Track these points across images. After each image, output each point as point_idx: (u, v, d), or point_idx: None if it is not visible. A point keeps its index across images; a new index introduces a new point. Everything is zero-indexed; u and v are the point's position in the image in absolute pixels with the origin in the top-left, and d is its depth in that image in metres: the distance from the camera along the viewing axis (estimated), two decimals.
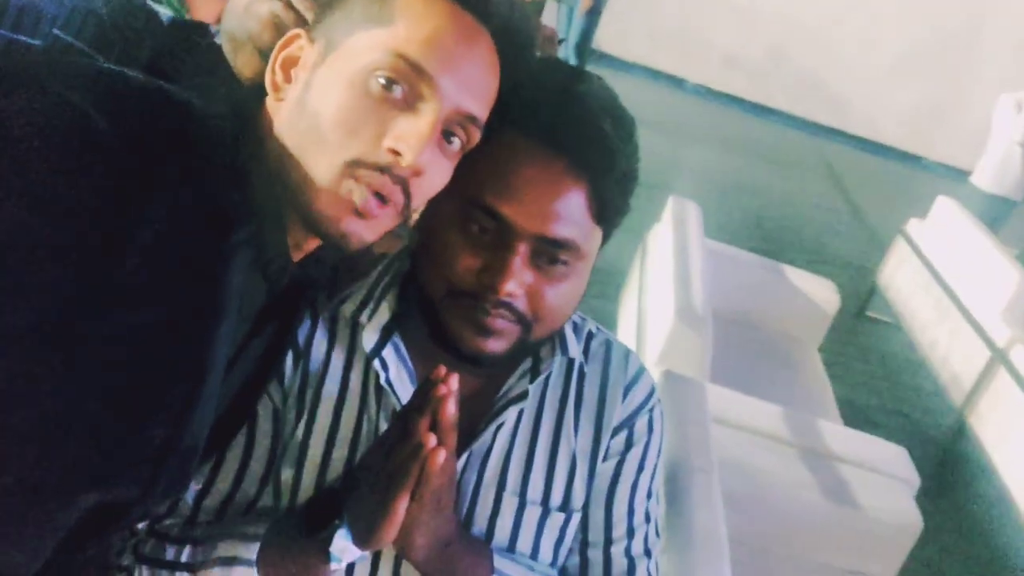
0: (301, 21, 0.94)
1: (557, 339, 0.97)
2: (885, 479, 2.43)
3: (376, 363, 0.91)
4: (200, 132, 0.73)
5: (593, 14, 7.46)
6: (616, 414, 0.99)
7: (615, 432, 0.99)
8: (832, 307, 3.65)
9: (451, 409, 0.79)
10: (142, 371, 0.68)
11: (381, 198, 0.75)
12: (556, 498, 0.96)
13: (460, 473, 0.93)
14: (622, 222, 0.93)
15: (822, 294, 3.63)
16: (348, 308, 0.94)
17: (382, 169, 0.73)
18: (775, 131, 9.76)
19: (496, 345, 0.86)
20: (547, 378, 0.98)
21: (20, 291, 0.59)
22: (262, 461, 0.93)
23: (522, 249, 0.83)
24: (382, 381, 0.91)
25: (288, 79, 0.79)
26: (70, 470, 0.66)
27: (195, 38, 1.07)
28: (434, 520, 0.84)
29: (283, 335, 0.92)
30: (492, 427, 0.94)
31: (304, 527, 0.86)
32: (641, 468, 1.00)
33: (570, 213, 0.84)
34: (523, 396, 0.94)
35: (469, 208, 0.84)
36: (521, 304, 0.85)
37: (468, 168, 0.83)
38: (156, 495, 0.75)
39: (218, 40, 1.07)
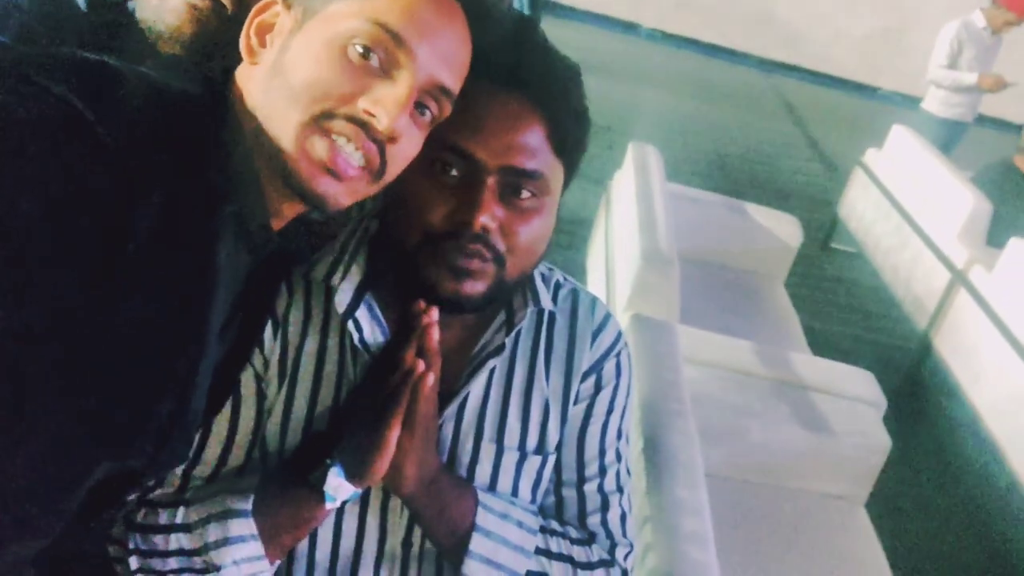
0: (220, 8, 0.94)
1: (529, 291, 1.00)
2: (853, 403, 2.50)
3: (350, 324, 0.93)
4: (182, 114, 0.74)
5: None
6: (585, 359, 1.03)
7: (584, 377, 1.03)
8: (796, 241, 3.71)
9: (435, 335, 0.83)
10: (147, 351, 0.70)
11: (361, 166, 0.76)
12: (531, 442, 1.00)
13: (439, 425, 0.96)
14: (581, 160, 0.97)
15: (786, 229, 3.69)
16: (319, 271, 0.95)
17: (356, 122, 0.75)
18: (731, 70, 9.78)
19: (474, 287, 0.90)
20: (519, 329, 1.01)
21: (28, 284, 0.60)
22: (248, 427, 0.95)
23: (491, 182, 0.87)
24: (355, 341, 0.93)
25: (263, 44, 0.80)
26: (86, 443, 0.69)
27: (116, 18, 1.05)
28: (422, 451, 0.88)
29: (264, 304, 0.93)
30: (470, 383, 0.97)
31: (296, 472, 0.89)
32: (610, 410, 1.05)
33: (532, 145, 0.88)
34: (500, 349, 0.97)
35: (437, 151, 0.87)
36: (495, 238, 0.89)
37: None
38: (163, 463, 0.79)
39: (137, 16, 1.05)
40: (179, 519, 0.91)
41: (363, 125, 0.75)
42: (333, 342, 0.96)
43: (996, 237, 3.86)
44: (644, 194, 2.89)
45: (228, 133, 0.78)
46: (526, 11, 6.98)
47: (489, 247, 0.89)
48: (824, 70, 10.39)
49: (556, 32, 0.99)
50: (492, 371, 0.99)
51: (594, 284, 3.32)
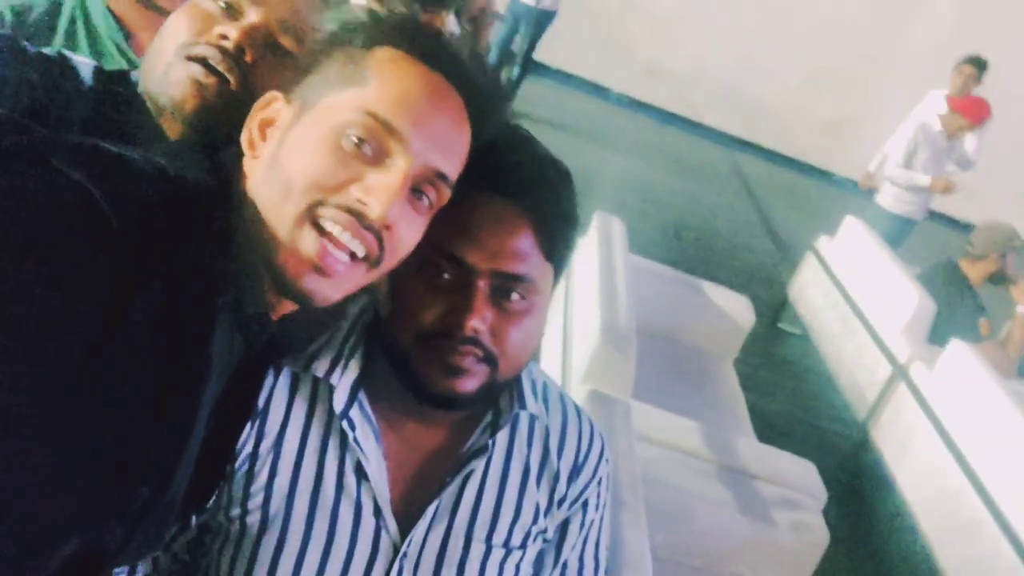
0: (223, 86, 0.94)
1: (515, 394, 1.01)
2: (794, 493, 2.55)
3: (344, 423, 0.93)
4: (191, 203, 0.74)
5: (544, 20, 7.41)
6: (571, 479, 1.06)
7: (571, 499, 1.06)
8: (748, 323, 3.78)
9: None
10: (132, 435, 0.69)
11: (350, 252, 0.76)
12: (516, 539, 1.02)
13: (430, 522, 0.97)
14: (570, 258, 1.00)
15: (739, 310, 3.76)
16: (320, 367, 0.95)
17: (349, 211, 0.75)
18: (694, 141, 10.00)
19: (466, 384, 0.91)
20: (513, 433, 1.03)
21: (23, 361, 0.59)
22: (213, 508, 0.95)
23: (482, 286, 0.90)
24: (351, 440, 0.93)
25: (264, 138, 0.81)
26: (57, 521, 0.67)
27: (118, 90, 1.05)
28: None
29: (254, 393, 0.93)
30: (458, 479, 0.98)
31: None
32: (590, 528, 1.09)
33: (522, 250, 0.91)
34: (484, 449, 0.98)
35: (432, 256, 0.89)
36: (486, 340, 0.91)
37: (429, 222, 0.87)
38: (134, 549, 0.77)
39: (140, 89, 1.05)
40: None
41: (357, 214, 0.75)
42: (315, 435, 0.96)
43: (938, 336, 3.99)
44: (607, 268, 2.93)
45: (232, 222, 0.78)
46: (515, 74, 6.99)
47: (480, 347, 0.91)
48: (783, 151, 10.69)
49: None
50: (486, 472, 1.01)
51: (549, 353, 3.33)
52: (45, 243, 0.60)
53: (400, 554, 0.96)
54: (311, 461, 0.95)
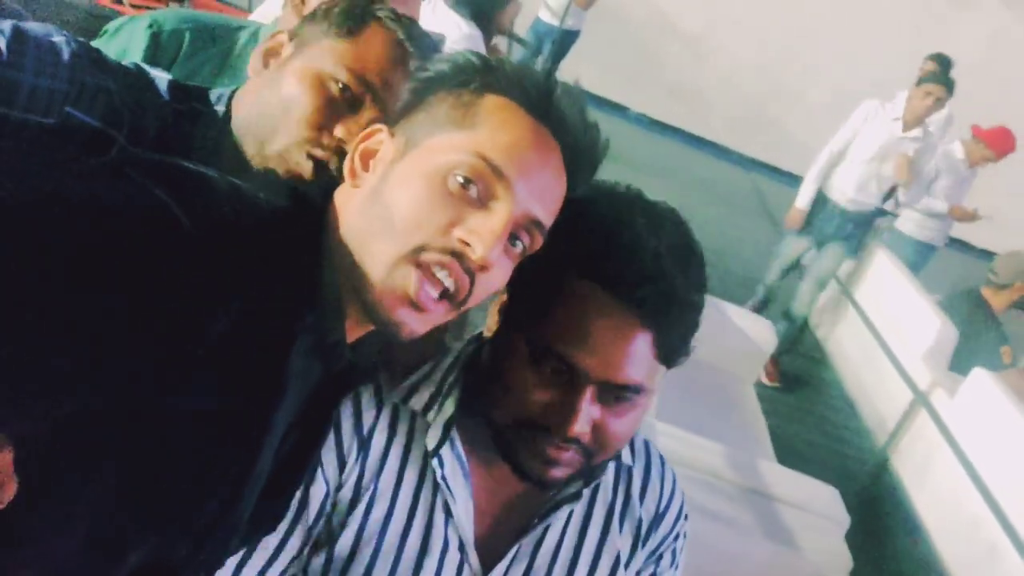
0: (338, 163, 0.98)
1: None
2: (817, 519, 2.55)
3: (434, 460, 0.95)
4: (272, 226, 0.77)
5: (567, 39, 7.47)
6: (651, 528, 1.06)
7: (648, 551, 1.06)
8: (769, 346, 3.79)
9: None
10: (204, 448, 0.72)
11: (442, 290, 0.78)
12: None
13: (510, 561, 0.98)
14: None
15: (761, 333, 3.77)
16: (417, 402, 0.97)
17: (451, 253, 0.77)
18: (713, 163, 10.02)
19: (560, 472, 0.91)
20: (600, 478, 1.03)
21: (102, 369, 0.62)
22: (298, 540, 0.94)
23: (591, 391, 0.88)
24: (438, 478, 0.95)
25: (366, 168, 0.84)
26: (130, 529, 0.70)
27: (196, 106, 1.08)
28: None
29: (326, 420, 0.95)
30: (543, 524, 0.99)
31: None
32: None
33: (638, 359, 0.87)
34: (576, 496, 0.99)
35: (543, 352, 0.88)
36: (586, 439, 0.90)
37: (543, 314, 0.88)
38: (197, 564, 0.79)
39: (218, 107, 1.10)
40: None
41: (458, 255, 0.77)
42: (412, 472, 0.97)
43: (960, 364, 3.99)
44: None
45: (317, 248, 0.81)
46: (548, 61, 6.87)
47: (580, 445, 0.90)
48: (802, 173, 10.69)
49: None
50: (568, 518, 1.01)
51: None
52: (126, 251, 0.62)
53: None
54: (407, 494, 0.97)
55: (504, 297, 0.94)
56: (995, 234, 5.67)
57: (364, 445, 0.96)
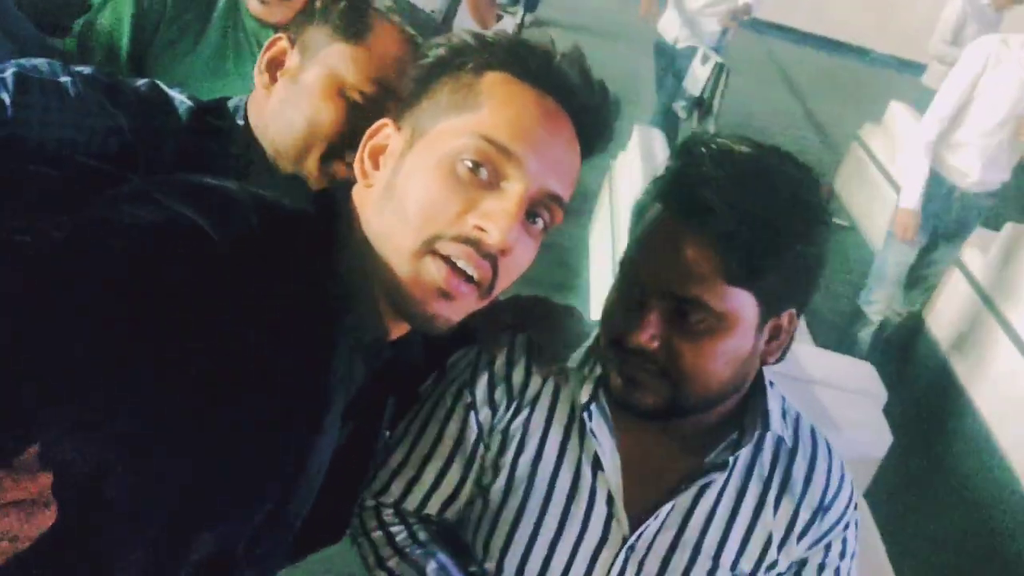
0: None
1: (760, 415, 1.00)
2: (854, 396, 2.56)
3: (585, 414, 0.99)
4: (296, 231, 0.76)
5: None
6: (814, 518, 1.03)
7: (813, 539, 1.03)
8: None
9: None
10: (258, 447, 0.73)
11: (467, 277, 0.77)
12: (745, 566, 1.02)
13: (661, 523, 1.00)
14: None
15: None
16: (575, 359, 1.03)
17: (467, 241, 0.75)
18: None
19: (642, 397, 0.94)
20: (757, 453, 1.03)
21: (154, 388, 0.63)
22: (456, 475, 1.04)
23: (653, 303, 0.91)
24: (588, 430, 0.99)
25: (376, 166, 0.82)
26: (195, 520, 0.72)
27: (214, 122, 1.06)
28: None
29: (378, 415, 0.96)
30: (694, 488, 1.00)
31: None
32: (834, 573, 1.06)
33: (695, 273, 0.89)
34: (723, 465, 0.99)
35: (622, 274, 0.96)
36: (659, 355, 0.91)
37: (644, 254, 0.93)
38: (256, 559, 0.81)
39: (238, 118, 1.08)
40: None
41: (474, 243, 0.75)
42: (558, 424, 1.02)
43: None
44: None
45: (343, 249, 0.80)
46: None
47: (652, 362, 0.92)
48: (818, 31, 10.34)
49: None
50: (724, 488, 1.02)
51: (599, 265, 3.34)
52: (166, 272, 0.63)
53: (627, 546, 0.99)
54: (555, 442, 1.01)
55: None
56: None
57: (514, 394, 1.02)
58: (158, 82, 1.07)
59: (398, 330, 0.85)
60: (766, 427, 1.00)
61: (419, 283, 0.76)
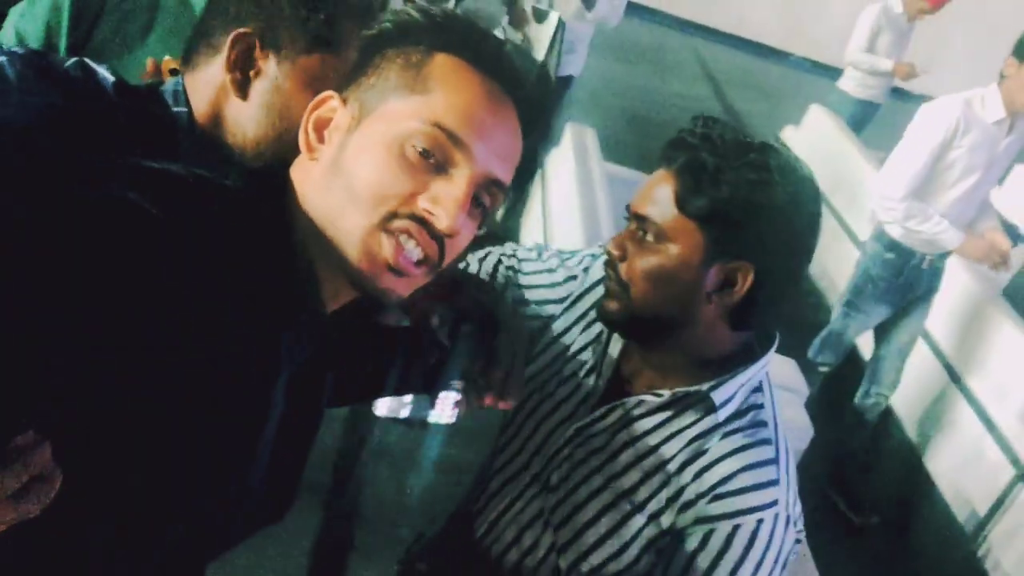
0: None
1: (719, 384, 1.06)
2: (777, 391, 2.65)
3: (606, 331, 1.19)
4: (239, 209, 0.77)
5: None
6: (694, 501, 1.05)
7: (681, 523, 1.06)
8: None
9: None
10: (216, 423, 0.75)
11: (421, 260, 0.79)
12: (640, 496, 1.08)
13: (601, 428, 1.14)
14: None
15: None
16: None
17: (416, 220, 0.78)
18: (650, 29, 9.84)
19: (609, 303, 1.11)
20: (697, 413, 1.08)
21: (115, 368, 0.63)
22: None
23: (629, 223, 1.11)
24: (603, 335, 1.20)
25: (321, 139, 0.82)
26: (168, 505, 0.74)
27: (153, 110, 1.05)
28: None
29: (319, 390, 0.96)
30: (630, 403, 1.12)
31: None
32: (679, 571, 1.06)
33: (654, 197, 1.07)
34: (658, 396, 1.09)
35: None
36: (619, 264, 1.09)
37: None
38: (233, 535, 0.85)
39: (177, 108, 1.06)
40: None
41: (423, 223, 0.78)
42: (578, 331, 1.24)
43: None
44: (585, 182, 2.96)
45: (289, 226, 0.81)
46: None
47: (615, 271, 1.09)
48: (740, 33, 10.59)
49: None
50: (655, 423, 1.10)
51: None
52: (115, 254, 0.64)
53: (576, 427, 1.16)
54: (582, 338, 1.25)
55: None
56: (935, 80, 5.70)
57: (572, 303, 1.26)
58: (86, 60, 1.05)
59: (338, 302, 0.87)
60: (709, 398, 1.04)
61: (371, 259, 0.78)
